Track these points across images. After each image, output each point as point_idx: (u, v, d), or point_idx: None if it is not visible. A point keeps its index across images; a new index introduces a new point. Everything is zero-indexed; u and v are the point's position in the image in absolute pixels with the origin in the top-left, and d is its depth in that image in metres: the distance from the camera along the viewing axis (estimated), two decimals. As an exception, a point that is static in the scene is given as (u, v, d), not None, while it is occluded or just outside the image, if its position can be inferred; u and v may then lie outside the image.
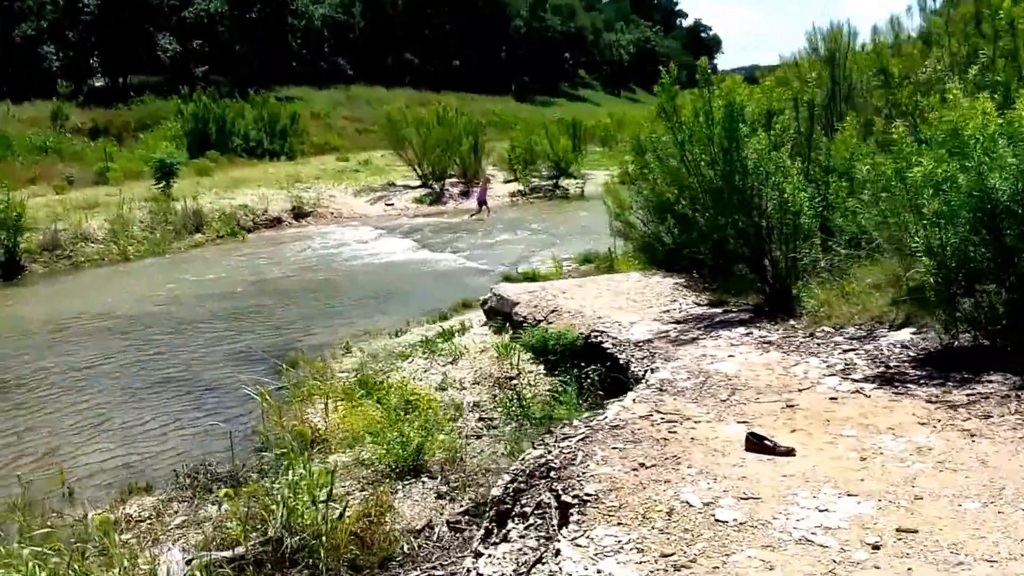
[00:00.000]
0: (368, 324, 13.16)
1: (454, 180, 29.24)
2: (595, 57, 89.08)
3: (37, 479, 7.83)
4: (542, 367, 8.42)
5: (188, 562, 5.66)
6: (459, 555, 5.94)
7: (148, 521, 6.93)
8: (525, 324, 9.00)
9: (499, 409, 8.13)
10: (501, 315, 9.90)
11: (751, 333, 6.94)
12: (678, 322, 7.88)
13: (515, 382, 8.38)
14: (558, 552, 3.73)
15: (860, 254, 7.42)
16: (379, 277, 17.33)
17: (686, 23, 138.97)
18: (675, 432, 4.70)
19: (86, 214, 20.77)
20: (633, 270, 11.88)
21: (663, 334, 7.38)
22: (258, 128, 37.02)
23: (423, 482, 7.03)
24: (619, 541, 3.69)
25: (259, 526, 6.07)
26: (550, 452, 4.69)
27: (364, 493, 6.69)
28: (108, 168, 27.67)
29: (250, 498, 6.49)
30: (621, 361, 7.06)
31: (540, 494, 4.40)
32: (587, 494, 4.11)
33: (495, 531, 4.66)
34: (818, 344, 6.38)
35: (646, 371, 6.16)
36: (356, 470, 7.39)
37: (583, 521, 3.92)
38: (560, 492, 4.22)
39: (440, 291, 15.59)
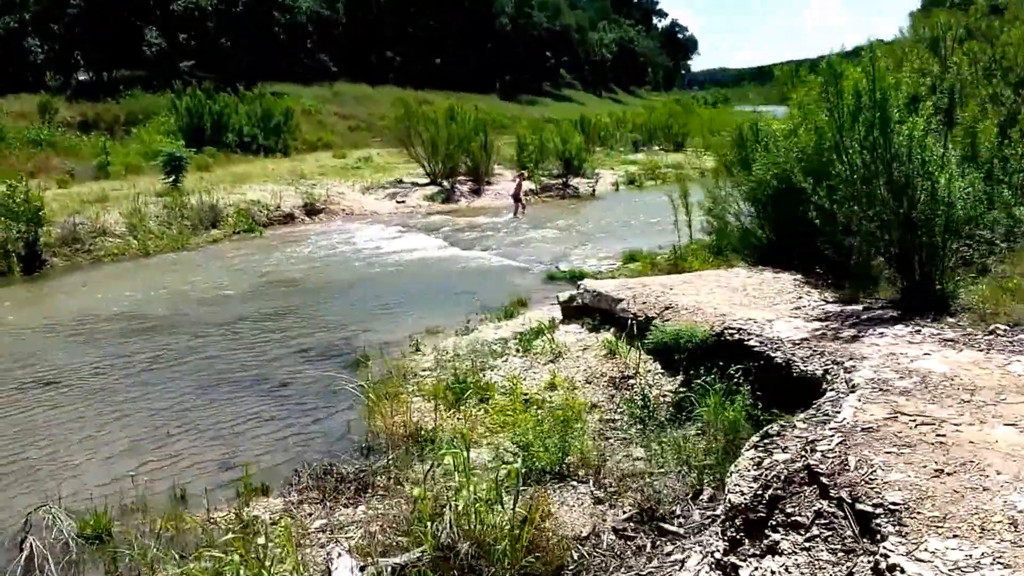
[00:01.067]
0: (422, 321, 12.71)
1: (462, 178, 28.81)
2: (579, 56, 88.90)
3: (144, 478, 7.30)
4: (659, 366, 8.05)
5: (362, 568, 5.23)
6: (645, 565, 5.58)
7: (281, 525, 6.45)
8: (633, 321, 8.61)
9: (620, 410, 7.79)
10: (597, 312, 9.50)
11: (920, 331, 6.61)
12: (820, 319, 7.54)
13: (632, 381, 7.99)
14: (893, 568, 3.34)
15: (1016, 247, 7.11)
16: (417, 274, 16.89)
17: (663, 23, 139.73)
18: (943, 436, 4.35)
19: (99, 208, 20.09)
20: (711, 267, 11.56)
21: (816, 332, 7.03)
22: (251, 124, 36.40)
23: (573, 486, 6.66)
24: (970, 555, 3.32)
25: (423, 530, 5.66)
26: (805, 456, 4.30)
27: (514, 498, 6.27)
28: (108, 162, 26.87)
29: (409, 500, 6.09)
30: (777, 360, 6.69)
31: (814, 502, 4.00)
32: (892, 503, 3.73)
33: (745, 541, 4.26)
34: (1010, 342, 6.06)
35: (834, 373, 5.79)
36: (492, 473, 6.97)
37: (906, 533, 3.54)
38: (852, 500, 3.84)
39: (486, 289, 15.19)
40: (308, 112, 43.51)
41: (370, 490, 6.93)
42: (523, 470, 6.75)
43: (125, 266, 17.89)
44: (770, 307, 8.09)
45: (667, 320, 8.16)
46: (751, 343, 7.10)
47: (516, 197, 23.79)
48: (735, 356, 7.08)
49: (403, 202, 26.83)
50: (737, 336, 7.23)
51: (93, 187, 23.41)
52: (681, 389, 7.54)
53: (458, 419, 8.11)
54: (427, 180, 28.81)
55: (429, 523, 5.43)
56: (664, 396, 7.69)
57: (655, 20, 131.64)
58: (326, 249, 19.77)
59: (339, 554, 5.38)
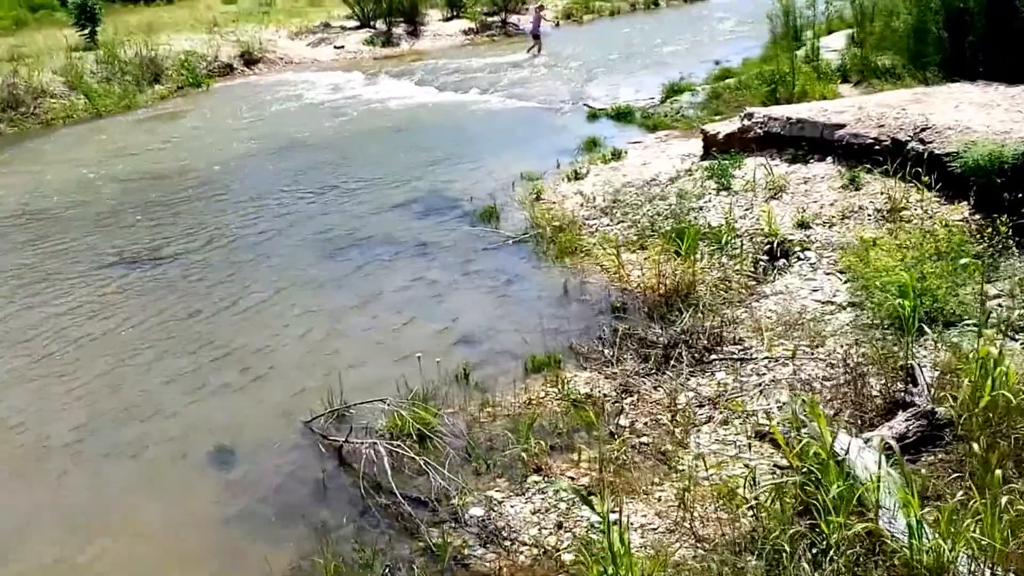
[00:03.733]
0: (501, 169, 11.64)
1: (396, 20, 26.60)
2: None
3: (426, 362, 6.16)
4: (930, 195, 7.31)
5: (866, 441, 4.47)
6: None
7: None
8: (872, 147, 7.86)
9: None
10: (799, 140, 8.66)
11: None
12: None
13: (907, 213, 7.29)
14: None
15: None
16: (441, 122, 15.52)
17: None
18: None
19: (21, 67, 17.29)
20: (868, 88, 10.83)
21: None
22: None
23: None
24: None
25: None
26: None
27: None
28: (-6, 16, 23.27)
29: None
30: None
31: None
32: None
33: None
34: None
35: None
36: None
37: None
38: None
39: (532, 132, 14.12)
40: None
41: (684, 354, 6.06)
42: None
43: (82, 130, 15.58)
44: None
45: (929, 143, 7.43)
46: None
47: (535, 33, 22.03)
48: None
49: (342, 47, 24.62)
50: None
51: (-8, 43, 20.21)
52: (975, 218, 6.88)
53: (718, 273, 7.25)
54: (357, 23, 26.48)
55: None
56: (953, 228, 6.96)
57: None
58: (301, 101, 17.87)
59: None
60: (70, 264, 9.23)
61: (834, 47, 16.30)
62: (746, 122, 9.38)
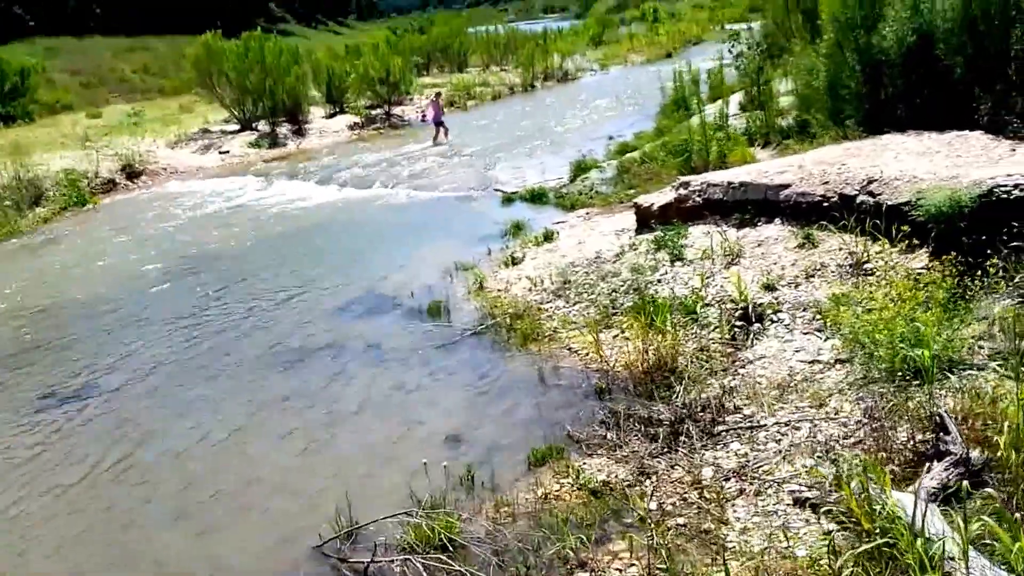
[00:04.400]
0: (429, 260, 11.66)
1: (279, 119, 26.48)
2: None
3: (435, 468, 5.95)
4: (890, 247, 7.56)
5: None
6: None
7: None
8: (820, 204, 8.18)
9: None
10: (745, 204, 8.91)
11: None
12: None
13: (870, 266, 7.55)
14: None
15: None
16: (352, 219, 15.36)
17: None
18: None
19: None
20: (786, 150, 11.29)
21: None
22: (-17, 89, 31.26)
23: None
24: None
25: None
26: None
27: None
28: None
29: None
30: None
31: None
32: None
33: None
34: None
35: None
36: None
37: None
38: None
39: (449, 221, 14.16)
40: (36, 71, 37.93)
41: (692, 428, 6.07)
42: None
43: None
44: (994, 164, 7.77)
45: (878, 195, 7.77)
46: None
47: (437, 120, 22.13)
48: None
49: (227, 152, 24.21)
50: (1017, 194, 6.86)
51: None
52: (933, 265, 7.15)
53: (694, 344, 7.32)
54: (237, 126, 26.20)
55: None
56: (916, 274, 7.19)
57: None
58: (200, 211, 17.37)
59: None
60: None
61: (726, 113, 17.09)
62: (682, 191, 9.61)
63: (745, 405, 6.31)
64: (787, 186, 8.57)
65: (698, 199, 9.44)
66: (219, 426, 7.60)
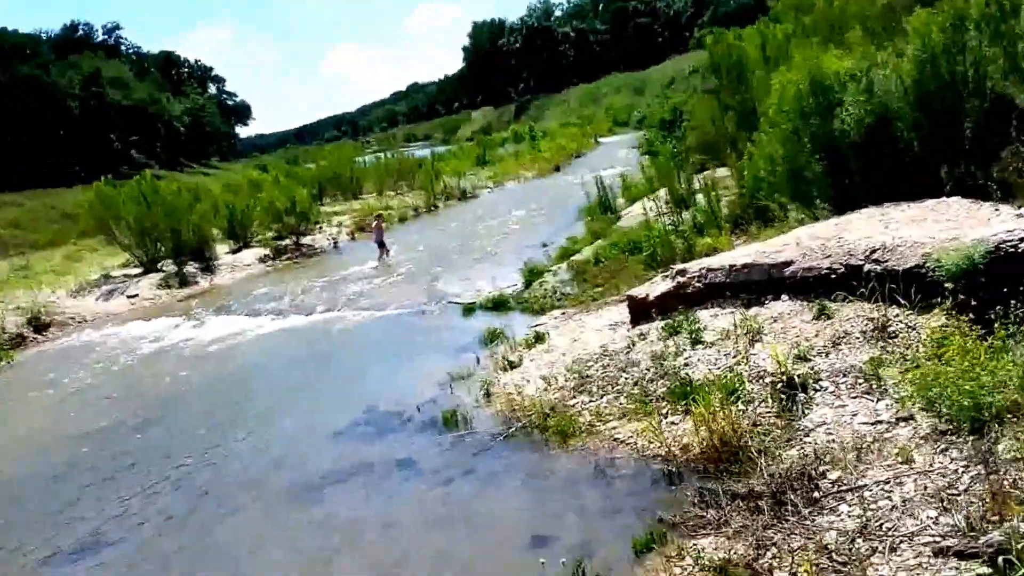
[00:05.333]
0: (412, 376, 11.60)
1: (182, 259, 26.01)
2: (157, 132, 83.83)
3: None
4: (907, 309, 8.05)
5: None
6: None
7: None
8: (828, 277, 8.68)
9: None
10: (749, 285, 9.34)
11: None
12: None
13: (892, 329, 8.02)
14: None
15: None
16: (311, 346, 15.11)
17: (212, 90, 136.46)
18: None
19: None
20: (759, 236, 11.87)
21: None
22: None
23: None
24: None
25: None
26: None
27: None
28: None
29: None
30: None
31: None
32: None
33: None
34: None
35: None
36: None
37: None
38: None
39: (416, 338, 14.10)
40: None
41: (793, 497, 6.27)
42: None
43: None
44: (986, 224, 8.40)
45: (884, 262, 8.33)
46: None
47: (380, 242, 22.15)
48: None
49: (135, 296, 23.54)
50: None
51: None
52: (951, 321, 7.65)
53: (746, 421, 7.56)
54: (140, 270, 25.60)
55: None
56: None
57: (211, 87, 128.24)
58: (134, 355, 16.76)
59: None
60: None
61: (641, 209, 17.97)
62: (680, 279, 10.01)
63: (828, 470, 6.53)
64: (790, 263, 9.06)
65: (699, 284, 9.83)
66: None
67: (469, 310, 15.04)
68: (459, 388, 10.71)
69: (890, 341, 7.86)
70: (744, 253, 9.92)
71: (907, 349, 7.65)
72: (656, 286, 10.38)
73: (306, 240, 28.15)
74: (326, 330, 16.01)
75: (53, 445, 11.68)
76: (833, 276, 8.67)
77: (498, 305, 14.80)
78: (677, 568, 5.89)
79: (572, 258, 16.56)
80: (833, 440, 6.94)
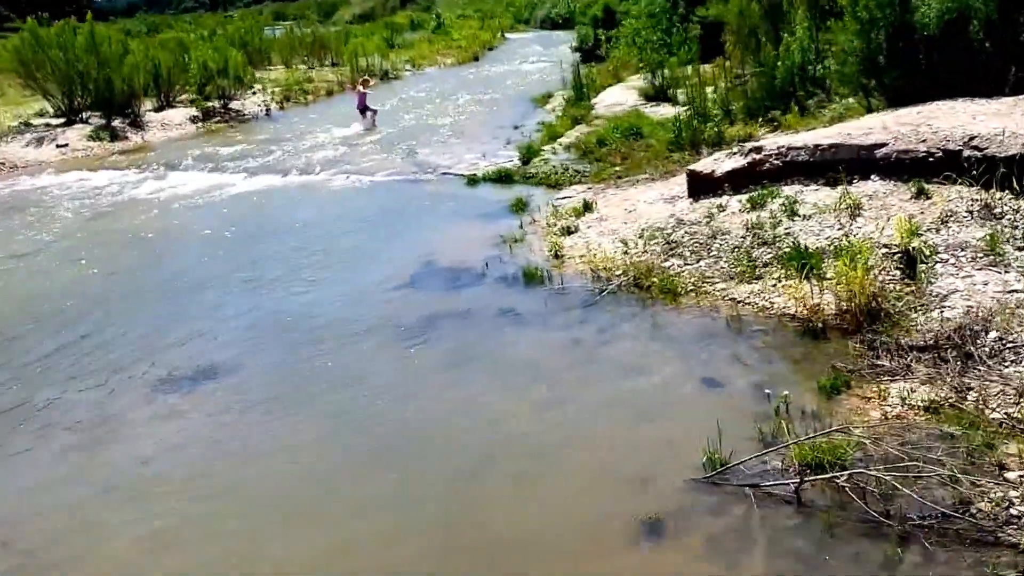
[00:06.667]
0: (450, 238, 11.38)
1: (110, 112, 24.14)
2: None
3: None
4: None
5: None
6: None
7: None
8: (925, 160, 8.93)
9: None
10: (837, 164, 9.44)
11: None
12: None
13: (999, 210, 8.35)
14: None
15: None
16: (322, 206, 14.36)
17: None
18: None
19: None
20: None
21: None
22: None
23: None
24: None
25: None
26: None
27: None
28: None
29: None
30: None
31: None
32: None
33: None
34: None
35: None
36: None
37: None
38: None
39: (434, 202, 13.70)
40: None
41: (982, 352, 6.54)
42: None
43: None
44: None
45: (984, 149, 8.64)
46: None
47: (363, 107, 20.92)
48: None
49: (65, 145, 21.77)
50: None
51: None
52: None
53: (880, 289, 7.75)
54: (62, 120, 23.63)
55: None
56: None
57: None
58: (110, 205, 15.57)
59: None
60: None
61: (616, 99, 17.94)
62: (755, 155, 10.05)
63: (985, 330, 6.81)
64: (882, 144, 9.25)
65: (776, 162, 9.91)
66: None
67: (472, 181, 14.66)
68: (518, 249, 10.51)
69: (999, 221, 8.18)
70: (825, 134, 10.04)
71: (1014, 229, 7.99)
72: (722, 163, 10.40)
73: (234, 105, 26.56)
74: (316, 192, 15.29)
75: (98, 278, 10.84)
76: (931, 159, 8.90)
77: (503, 178, 14.48)
78: (884, 407, 6.05)
79: (560, 140, 16.38)
80: (973, 306, 7.21)
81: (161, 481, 6.10)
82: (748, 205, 9.57)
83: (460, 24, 57.66)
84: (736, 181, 10.13)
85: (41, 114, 24.37)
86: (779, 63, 12.97)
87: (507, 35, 53.30)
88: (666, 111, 16.50)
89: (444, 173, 15.45)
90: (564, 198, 12.44)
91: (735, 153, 10.44)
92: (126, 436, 6.82)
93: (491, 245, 10.76)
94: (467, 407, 6.82)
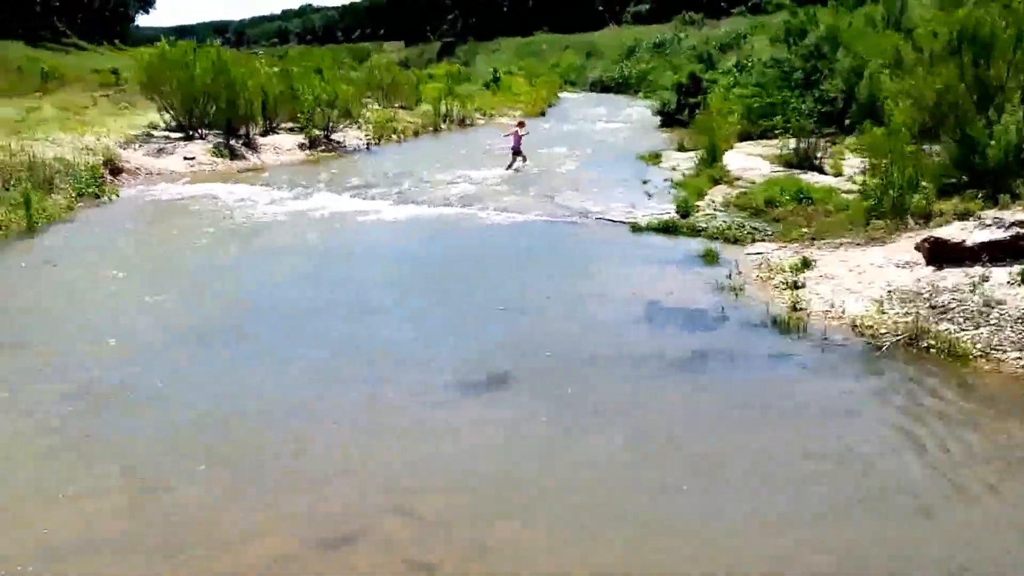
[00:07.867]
0: (648, 281, 10.93)
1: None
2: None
3: None
4: None
5: None
6: None
7: None
8: None
9: None
10: None
11: None
12: None
13: None
14: None
15: None
16: (488, 238, 13.97)
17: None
18: None
19: None
20: None
21: None
22: None
23: None
24: None
25: None
26: None
27: None
28: None
29: None
30: None
31: None
32: None
33: None
34: None
35: None
36: None
37: None
38: None
39: (609, 247, 13.25)
40: None
41: None
42: None
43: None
44: None
45: None
46: None
47: (516, 150, 20.51)
48: None
49: (192, 159, 21.55)
50: None
51: None
52: None
53: None
54: (180, 134, 23.42)
55: None
56: None
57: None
58: (263, 216, 15.19)
59: None
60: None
61: (743, 164, 17.69)
62: (1019, 229, 9.67)
63: None
64: None
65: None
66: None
67: (636, 229, 14.20)
68: (742, 297, 10.10)
69: None
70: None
71: None
72: (973, 234, 10.00)
73: (335, 136, 26.37)
74: (476, 224, 14.88)
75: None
76: None
77: (668, 228, 14.01)
78: None
79: (706, 197, 16.12)
80: None
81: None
82: (1019, 278, 9.15)
83: (509, 80, 57.72)
84: (993, 252, 9.73)
85: (154, 126, 24.10)
86: (992, 141, 12.53)
87: (561, 94, 53.41)
88: (819, 178, 16.21)
89: (599, 218, 15.03)
90: (756, 253, 12.04)
91: (989, 225, 10.05)
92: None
93: (707, 291, 10.34)
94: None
